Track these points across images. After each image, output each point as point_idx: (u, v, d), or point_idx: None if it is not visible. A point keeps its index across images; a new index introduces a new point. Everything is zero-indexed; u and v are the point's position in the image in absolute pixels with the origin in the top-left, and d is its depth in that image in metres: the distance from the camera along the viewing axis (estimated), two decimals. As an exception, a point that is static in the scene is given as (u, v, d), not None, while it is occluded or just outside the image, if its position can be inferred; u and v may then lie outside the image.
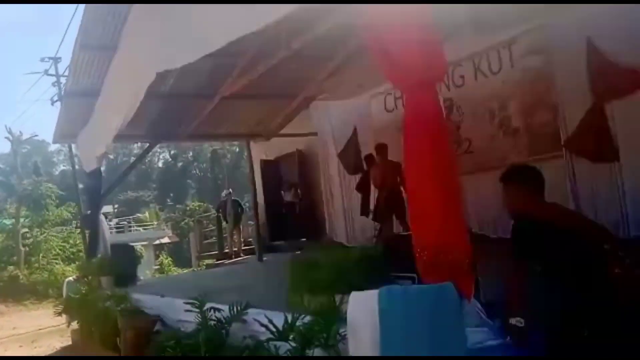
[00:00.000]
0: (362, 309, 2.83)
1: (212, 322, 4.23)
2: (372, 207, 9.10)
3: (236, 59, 8.86)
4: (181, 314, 5.04)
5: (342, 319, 3.05)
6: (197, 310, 4.41)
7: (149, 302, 6.74)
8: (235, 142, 46.11)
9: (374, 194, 8.95)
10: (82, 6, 7.62)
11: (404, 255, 3.29)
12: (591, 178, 6.78)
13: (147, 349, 5.30)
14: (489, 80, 7.99)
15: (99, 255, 9.01)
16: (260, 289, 5.95)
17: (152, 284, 9.90)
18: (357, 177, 10.50)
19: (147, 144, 11.29)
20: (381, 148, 8.61)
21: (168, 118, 10.10)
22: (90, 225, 9.20)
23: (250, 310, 4.05)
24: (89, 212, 9.44)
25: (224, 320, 4.15)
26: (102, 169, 9.57)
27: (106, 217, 33.69)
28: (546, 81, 7.34)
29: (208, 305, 4.50)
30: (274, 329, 3.30)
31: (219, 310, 4.44)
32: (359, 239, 10.29)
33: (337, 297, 3.47)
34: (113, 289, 8.00)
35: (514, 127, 7.84)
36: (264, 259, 11.23)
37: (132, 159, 51.54)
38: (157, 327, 5.99)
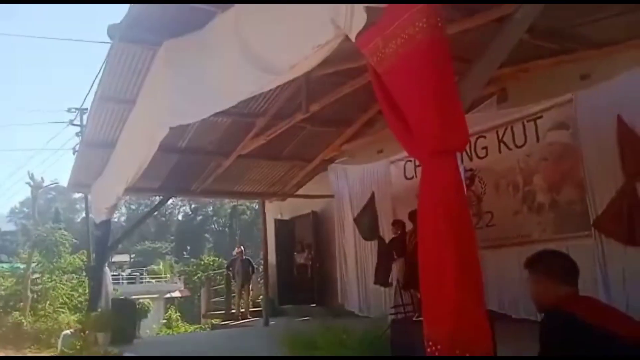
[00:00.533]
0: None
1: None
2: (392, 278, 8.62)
3: (255, 118, 8.83)
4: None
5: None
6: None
7: None
8: (256, 200, 46.58)
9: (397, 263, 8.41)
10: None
11: (415, 347, 2.87)
12: (622, 262, 6.29)
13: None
14: (514, 153, 7.70)
15: (99, 309, 8.69)
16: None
17: (150, 343, 9.44)
18: (373, 243, 10.16)
19: (160, 197, 11.17)
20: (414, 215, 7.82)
21: (183, 172, 10.00)
22: (94, 276, 8.90)
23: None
24: (93, 263, 9.14)
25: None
26: (119, 219, 9.39)
27: (121, 267, 33.41)
28: (574, 157, 7.02)
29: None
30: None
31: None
32: (372, 309, 9.79)
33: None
34: (108, 346, 7.57)
35: (539, 203, 7.46)
36: (271, 323, 10.72)
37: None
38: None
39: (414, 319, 2.97)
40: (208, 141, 9.35)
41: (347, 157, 10.93)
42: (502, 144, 7.95)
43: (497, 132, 8.00)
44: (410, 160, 9.51)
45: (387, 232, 9.76)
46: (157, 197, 11.59)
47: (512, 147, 7.77)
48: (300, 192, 11.94)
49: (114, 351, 6.65)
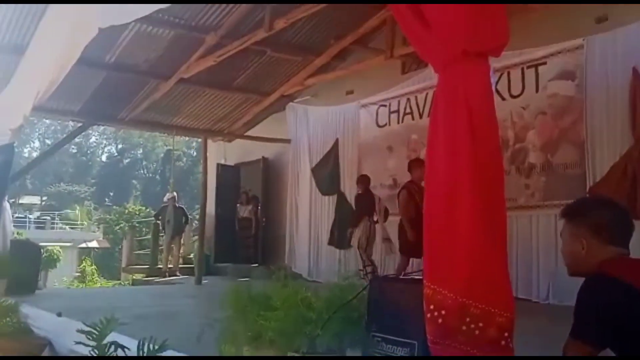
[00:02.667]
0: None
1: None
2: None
3: (204, 34, 8.28)
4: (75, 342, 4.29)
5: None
6: (93, 343, 3.46)
7: (42, 320, 5.90)
8: (193, 144, 45.74)
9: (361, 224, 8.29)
10: None
11: (401, 309, 2.48)
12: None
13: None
14: (507, 104, 7.46)
15: None
16: (188, 323, 5.16)
17: (56, 295, 8.92)
18: (331, 199, 9.91)
19: (80, 124, 10.52)
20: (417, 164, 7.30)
21: (110, 95, 9.42)
22: None
23: (167, 354, 3.19)
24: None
25: (127, 364, 3.27)
26: (29, 154, 8.78)
27: (29, 210, 32.26)
28: (576, 112, 6.83)
29: (109, 338, 3.57)
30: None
31: (122, 347, 3.51)
32: (323, 273, 9.64)
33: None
34: (3, 295, 6.98)
35: (530, 164, 7.28)
36: (204, 281, 10.38)
37: (73, 147, 50.39)
38: (46, 352, 5.15)
39: (403, 276, 2.59)
40: (143, 58, 8.85)
41: (310, 96, 10.67)
42: (495, 93, 7.66)
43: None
44: (385, 105, 9.26)
45: (349, 187, 9.54)
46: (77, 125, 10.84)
47: (506, 96, 7.55)
48: (250, 133, 11.64)
49: (10, 302, 6.09)
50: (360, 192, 8.44)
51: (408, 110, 8.91)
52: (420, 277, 2.30)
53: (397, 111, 9.08)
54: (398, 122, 9.05)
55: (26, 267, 7.83)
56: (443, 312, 2.07)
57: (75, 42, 6.14)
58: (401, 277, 2.68)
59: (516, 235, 6.94)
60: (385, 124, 9.24)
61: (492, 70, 2.36)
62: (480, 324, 2.02)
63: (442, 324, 2.06)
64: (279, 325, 2.61)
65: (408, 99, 8.89)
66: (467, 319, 2.03)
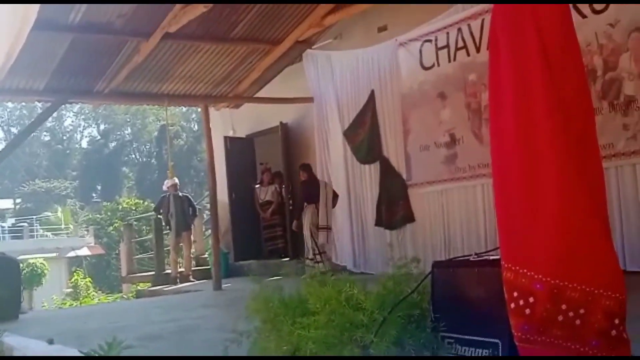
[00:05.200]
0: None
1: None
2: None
3: None
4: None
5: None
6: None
7: (30, 350, 6.15)
8: (193, 115, 46.03)
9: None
10: None
11: (476, 300, 2.45)
12: None
13: None
14: (589, 23, 7.26)
15: None
16: (209, 339, 5.29)
17: (45, 318, 9.18)
18: (373, 167, 9.92)
19: (48, 104, 10.59)
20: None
21: (81, 64, 9.48)
22: None
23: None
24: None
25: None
26: None
27: (1, 217, 33.12)
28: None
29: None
30: None
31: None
32: (373, 263, 9.70)
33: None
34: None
35: (628, 97, 7.09)
36: (225, 286, 10.55)
37: (45, 134, 51.29)
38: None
39: (473, 258, 2.55)
40: (117, 13, 8.85)
41: (332, 39, 10.68)
42: (572, 9, 7.49)
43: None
44: (430, 40, 9.20)
45: (394, 150, 9.55)
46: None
47: (587, 12, 7.34)
48: (261, 93, 11.64)
49: (-12, 331, 6.37)
50: (304, 179, 10.45)
51: (461, 43, 8.75)
52: (498, 257, 2.27)
53: (447, 46, 8.93)
54: (449, 61, 8.91)
55: (4, 287, 8.05)
56: (531, 299, 2.06)
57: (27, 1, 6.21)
58: (472, 258, 2.64)
59: (617, 191, 6.83)
60: (433, 65, 9.11)
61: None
62: (582, 311, 2.01)
63: (531, 315, 2.05)
64: (320, 334, 2.63)
65: (459, 30, 8.72)
66: (564, 306, 2.01)
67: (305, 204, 10.65)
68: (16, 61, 7.47)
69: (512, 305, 2.07)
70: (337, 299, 2.63)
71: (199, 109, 11.94)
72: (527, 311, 2.05)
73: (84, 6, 8.34)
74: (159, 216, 13.21)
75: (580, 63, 2.20)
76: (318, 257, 10.20)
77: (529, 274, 2.05)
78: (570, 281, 2.01)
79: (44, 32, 8.10)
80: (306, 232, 10.48)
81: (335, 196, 10.15)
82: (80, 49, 9.11)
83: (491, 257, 2.60)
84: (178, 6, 8.68)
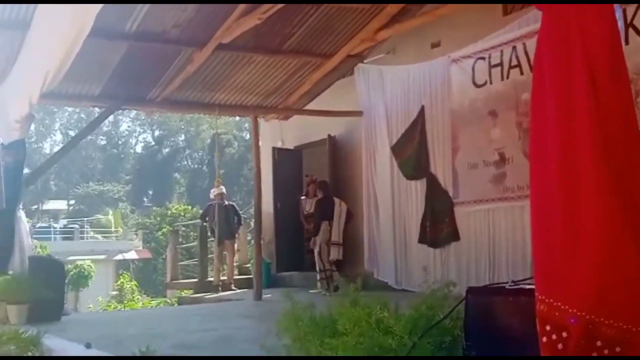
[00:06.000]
0: None
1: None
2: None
3: None
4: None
5: None
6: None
7: (68, 353, 6.23)
8: (246, 124, 46.35)
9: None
10: None
11: (509, 329, 2.38)
12: None
13: None
14: (633, 49, 7.05)
15: (10, 272, 8.51)
16: (241, 352, 5.27)
17: (87, 320, 9.33)
18: (419, 183, 9.92)
19: (102, 110, 10.84)
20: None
21: (135, 72, 9.73)
22: (1, 223, 8.68)
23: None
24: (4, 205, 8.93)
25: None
26: (51, 149, 9.37)
27: (54, 217, 33.61)
28: None
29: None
30: None
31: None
32: (415, 280, 9.53)
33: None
34: (24, 324, 7.39)
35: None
36: (265, 296, 10.60)
37: (101, 139, 52.36)
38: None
39: (510, 285, 2.48)
40: (172, 23, 9.06)
41: (385, 54, 10.67)
42: (630, 29, 7.30)
43: (623, 11, 7.34)
44: (483, 58, 9.10)
45: (442, 168, 9.45)
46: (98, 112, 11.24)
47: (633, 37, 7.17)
48: (311, 106, 11.73)
49: (31, 332, 6.44)
50: (320, 197, 10.74)
51: (515, 62, 8.62)
52: (534, 287, 2.20)
53: (500, 64, 8.82)
54: (502, 79, 8.79)
55: (48, 289, 8.17)
56: (564, 334, 1.99)
57: (85, 9, 6.37)
58: (508, 286, 2.56)
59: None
60: (485, 82, 9.01)
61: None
62: (618, 349, 1.93)
63: (564, 350, 1.98)
64: (347, 356, 2.57)
65: (514, 48, 8.60)
66: (599, 343, 1.94)
67: (321, 222, 10.71)
68: (72, 67, 7.65)
69: (544, 339, 2.00)
70: (367, 321, 2.59)
71: (250, 119, 12.06)
72: (560, 346, 1.97)
73: (140, 15, 8.56)
74: (204, 224, 13.36)
75: (628, 90, 2.13)
76: (323, 274, 10.50)
77: (563, 307, 1.98)
78: (606, 317, 1.93)
79: (100, 40, 8.31)
80: (316, 249, 10.61)
81: (349, 215, 10.56)
82: (135, 57, 9.35)
83: (527, 287, 2.53)
84: (232, 17, 8.83)
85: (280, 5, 8.29)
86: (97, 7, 6.24)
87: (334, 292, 9.83)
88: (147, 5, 8.37)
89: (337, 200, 10.62)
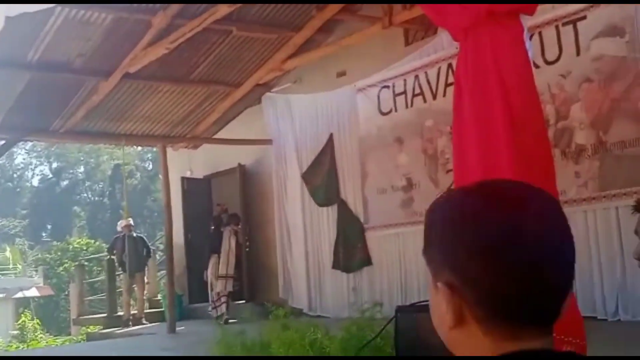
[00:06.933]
0: None
1: None
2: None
3: (151, 15, 8.32)
4: None
5: None
6: None
7: None
8: (148, 154, 45.68)
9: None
10: None
11: (438, 345, 2.46)
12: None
13: None
14: (542, 73, 7.44)
15: None
16: None
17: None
18: (330, 210, 10.00)
19: (2, 142, 10.42)
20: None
21: (38, 103, 9.41)
22: None
23: None
24: None
25: None
26: None
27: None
28: (629, 77, 6.88)
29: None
30: None
31: None
32: (330, 306, 9.72)
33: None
34: None
35: (578, 145, 7.29)
36: (179, 329, 10.39)
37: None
38: None
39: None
40: (76, 52, 8.87)
41: (291, 83, 10.78)
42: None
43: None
44: (387, 86, 9.35)
45: (352, 194, 9.60)
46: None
47: (540, 63, 7.55)
48: (220, 135, 11.70)
49: None
50: (213, 228, 11.09)
51: (417, 90, 8.94)
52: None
53: (404, 93, 9.11)
54: (406, 107, 9.09)
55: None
56: None
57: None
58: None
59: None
60: (391, 110, 9.29)
61: (525, 32, 2.36)
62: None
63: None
64: (339, 356, 2.60)
65: (416, 77, 8.92)
66: None
67: (210, 254, 10.96)
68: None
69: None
70: (301, 344, 2.63)
71: (155, 148, 11.88)
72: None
73: (43, 44, 8.35)
74: (112, 257, 13.00)
75: (539, 111, 2.28)
76: (213, 304, 10.83)
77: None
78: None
79: (0, 70, 8.05)
80: (208, 281, 10.95)
81: (238, 246, 10.96)
82: (37, 87, 9.06)
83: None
84: (139, 47, 8.74)
85: (189, 34, 8.28)
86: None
87: (224, 324, 9.72)
88: (50, 34, 8.15)
89: (226, 234, 10.84)
